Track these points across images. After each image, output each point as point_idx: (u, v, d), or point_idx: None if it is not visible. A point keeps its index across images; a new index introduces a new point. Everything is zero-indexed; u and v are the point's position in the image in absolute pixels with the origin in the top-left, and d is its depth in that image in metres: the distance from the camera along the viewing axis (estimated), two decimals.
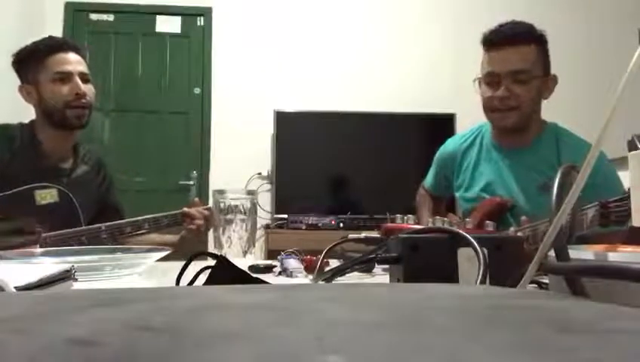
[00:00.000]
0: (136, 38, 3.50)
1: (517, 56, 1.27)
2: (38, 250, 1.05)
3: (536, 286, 0.59)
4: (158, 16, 3.52)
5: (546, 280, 0.49)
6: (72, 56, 1.41)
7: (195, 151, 3.46)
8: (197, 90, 3.51)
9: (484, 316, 0.22)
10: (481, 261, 0.49)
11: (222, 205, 1.10)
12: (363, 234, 1.01)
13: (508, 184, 1.33)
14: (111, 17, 3.51)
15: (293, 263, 0.89)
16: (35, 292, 0.50)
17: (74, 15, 3.46)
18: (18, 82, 1.43)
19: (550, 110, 1.39)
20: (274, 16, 3.56)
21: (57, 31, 3.27)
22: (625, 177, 0.92)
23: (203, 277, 0.57)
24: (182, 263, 0.66)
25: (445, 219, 0.94)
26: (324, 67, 3.55)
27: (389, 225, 1.05)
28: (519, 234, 0.98)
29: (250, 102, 3.47)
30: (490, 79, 1.29)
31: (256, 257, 1.27)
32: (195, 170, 3.44)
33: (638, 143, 0.71)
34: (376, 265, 0.85)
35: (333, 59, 3.56)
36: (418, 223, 1.05)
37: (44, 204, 1.29)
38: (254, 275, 0.58)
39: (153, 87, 3.48)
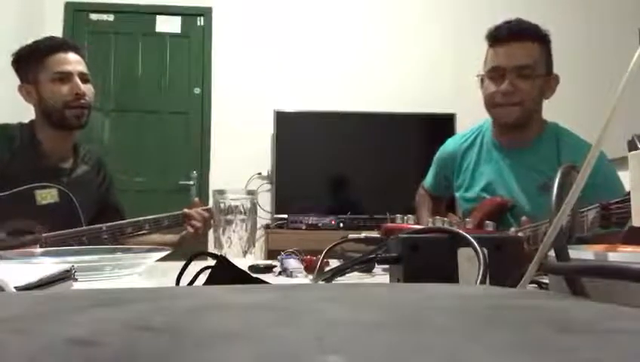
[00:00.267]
0: (136, 38, 3.50)
1: (522, 51, 1.28)
2: (38, 250, 1.05)
3: (536, 286, 0.59)
4: (158, 16, 3.52)
5: (546, 280, 0.49)
6: (72, 56, 1.42)
7: (195, 151, 3.45)
8: (197, 90, 3.51)
9: (484, 316, 0.22)
10: (481, 261, 0.49)
11: (222, 205, 1.10)
12: (363, 234, 1.01)
13: (508, 184, 1.33)
14: (111, 17, 3.51)
15: (293, 263, 0.89)
16: (35, 292, 0.50)
17: (74, 15, 3.46)
18: (18, 82, 1.43)
19: (551, 110, 1.39)
20: (274, 16, 3.56)
21: (57, 31, 3.27)
22: (625, 177, 0.92)
23: (203, 277, 0.57)
24: (182, 263, 0.66)
25: (445, 219, 0.94)
26: (324, 67, 3.55)
27: (389, 225, 1.05)
28: (520, 234, 0.97)
29: (250, 102, 3.47)
30: (495, 74, 1.30)
31: (256, 257, 1.27)
32: (195, 170, 3.44)
33: (638, 143, 0.71)
34: (376, 265, 0.85)
35: (333, 59, 3.56)
36: (418, 223, 1.05)
37: (45, 203, 1.29)
38: (254, 275, 0.58)
39: (153, 87, 3.48)
